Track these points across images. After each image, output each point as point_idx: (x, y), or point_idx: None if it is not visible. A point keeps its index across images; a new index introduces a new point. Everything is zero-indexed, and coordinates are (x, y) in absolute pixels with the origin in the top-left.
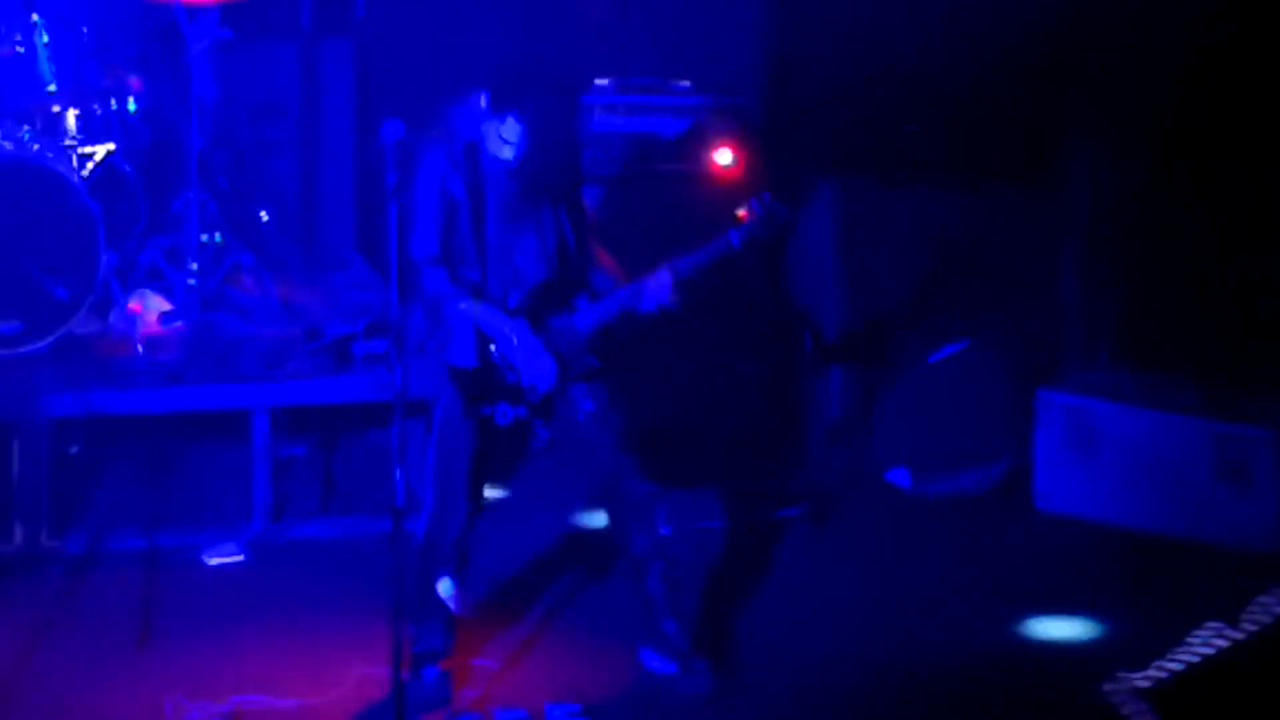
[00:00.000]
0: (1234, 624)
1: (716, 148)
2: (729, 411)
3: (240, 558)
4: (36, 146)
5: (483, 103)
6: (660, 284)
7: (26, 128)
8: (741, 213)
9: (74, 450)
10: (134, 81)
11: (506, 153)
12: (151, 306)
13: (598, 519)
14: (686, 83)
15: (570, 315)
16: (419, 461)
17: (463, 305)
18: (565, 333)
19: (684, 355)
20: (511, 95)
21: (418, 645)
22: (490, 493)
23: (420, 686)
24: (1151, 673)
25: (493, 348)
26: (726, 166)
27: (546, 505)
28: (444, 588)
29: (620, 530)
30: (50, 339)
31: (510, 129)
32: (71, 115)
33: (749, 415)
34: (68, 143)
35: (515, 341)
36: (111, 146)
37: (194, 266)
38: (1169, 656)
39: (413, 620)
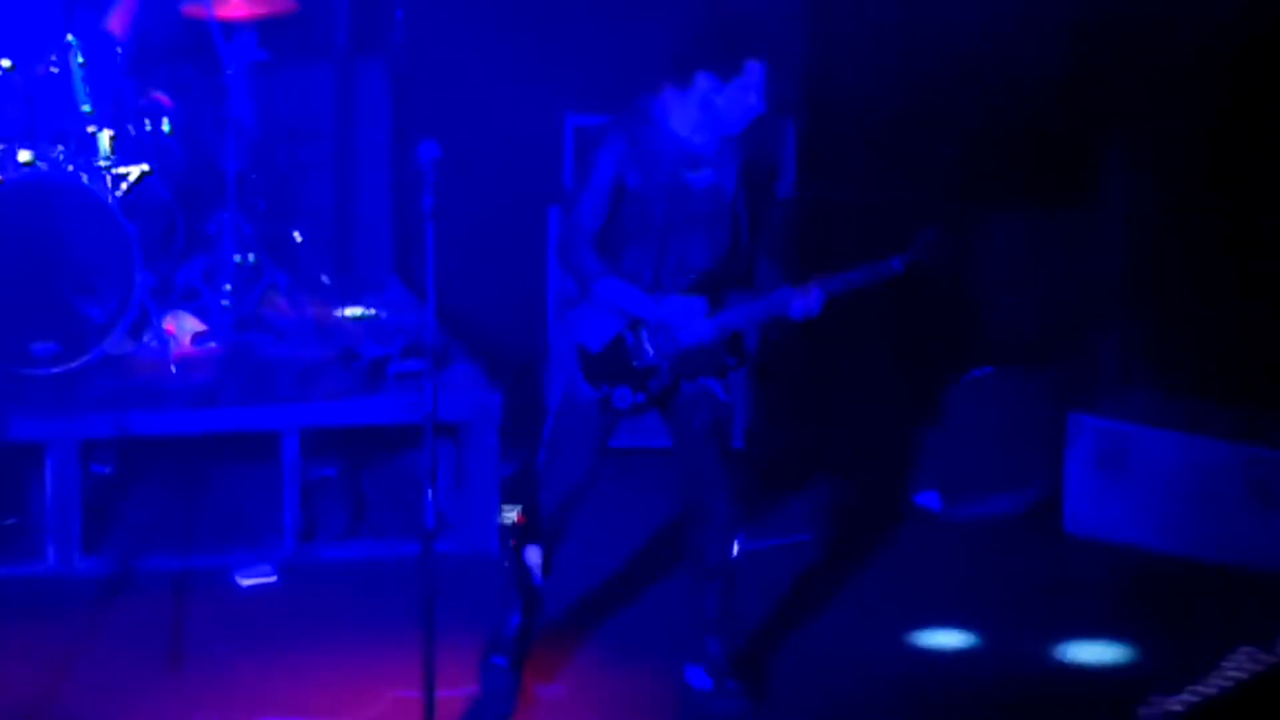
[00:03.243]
0: (1267, 648)
1: None
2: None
3: (272, 578)
4: (71, 167)
5: (684, 76)
6: (812, 297)
7: (61, 148)
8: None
9: (106, 470)
10: (169, 102)
11: (696, 135)
12: (186, 327)
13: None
14: None
15: (721, 311)
16: (451, 484)
17: (608, 284)
18: (710, 328)
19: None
20: (733, 53)
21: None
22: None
23: (487, 682)
24: (1185, 697)
25: (626, 334)
26: None
27: (629, 510)
28: (532, 554)
29: (694, 541)
30: (85, 359)
31: (713, 95)
32: (107, 136)
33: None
34: (102, 163)
35: (667, 308)
36: (146, 167)
37: (228, 287)
38: (1202, 681)
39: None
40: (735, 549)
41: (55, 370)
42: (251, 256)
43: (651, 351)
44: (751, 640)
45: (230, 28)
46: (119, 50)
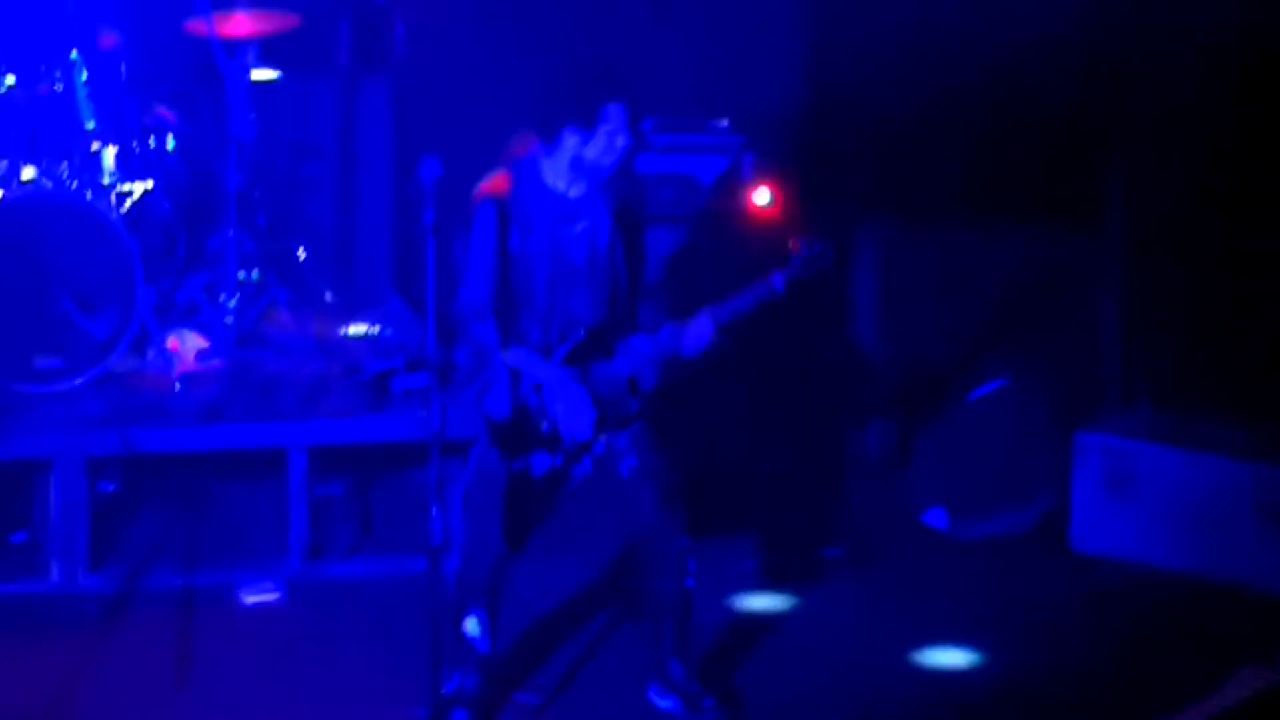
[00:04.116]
0: (1271, 667)
1: (754, 188)
2: (768, 449)
3: (277, 596)
4: (75, 184)
5: (550, 135)
6: (701, 330)
7: (65, 165)
8: (790, 247)
9: (111, 488)
10: (172, 116)
11: (571, 190)
12: (189, 344)
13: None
14: (725, 122)
15: (613, 360)
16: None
17: (505, 356)
18: (607, 379)
19: (724, 392)
20: (589, 103)
21: (447, 686)
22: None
23: None
24: (1189, 716)
25: (529, 398)
26: (764, 206)
27: (582, 547)
28: (471, 626)
29: (647, 576)
30: (88, 376)
31: (580, 149)
32: (110, 153)
33: (788, 454)
34: (106, 180)
35: (556, 390)
36: (149, 184)
37: (231, 304)
38: (1206, 699)
39: (445, 661)
40: (689, 581)
41: (58, 387)
42: (254, 273)
43: (553, 412)
44: (742, 659)
45: (233, 45)
46: (123, 67)
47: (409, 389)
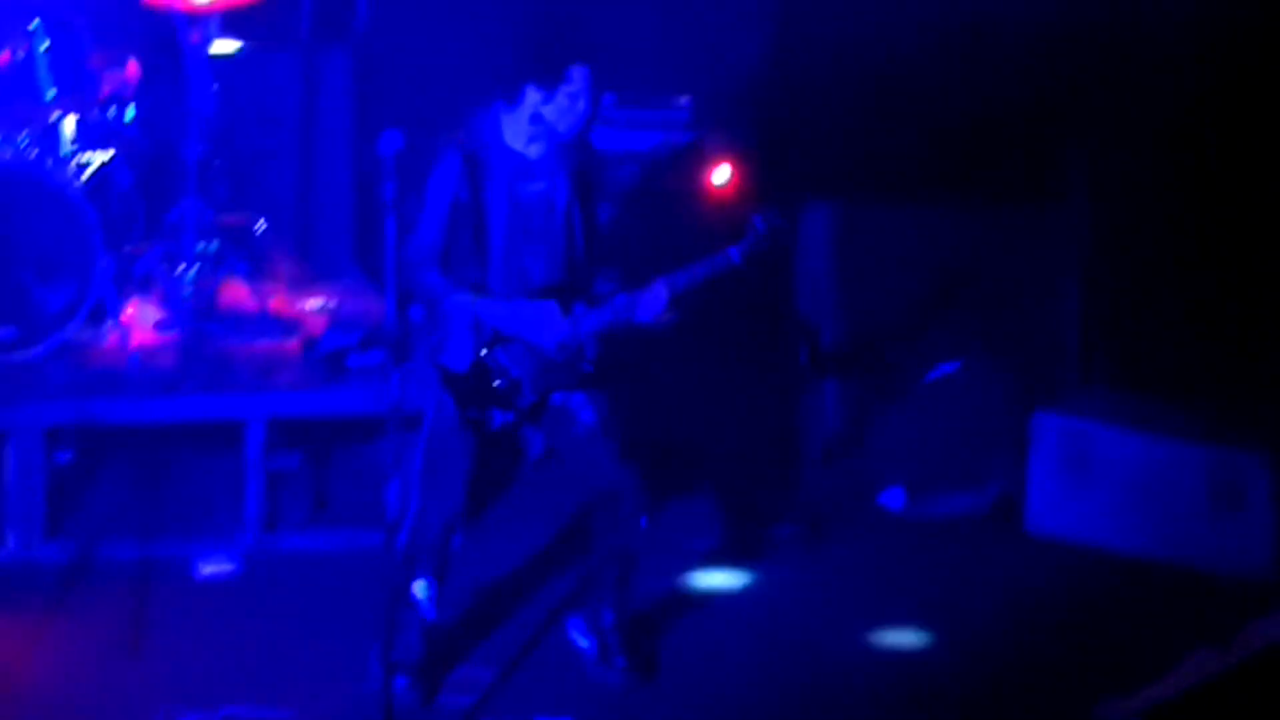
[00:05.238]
0: (1225, 650)
1: (714, 165)
2: (723, 427)
3: (232, 568)
4: (34, 153)
5: (512, 92)
6: (655, 297)
7: (24, 134)
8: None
9: (67, 458)
10: (132, 89)
11: (530, 148)
12: (146, 315)
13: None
14: (685, 99)
15: (569, 320)
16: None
17: (457, 298)
18: (560, 339)
19: (679, 369)
20: (554, 63)
21: (391, 654)
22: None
23: (389, 696)
24: (1142, 698)
25: (484, 351)
26: (722, 184)
27: (540, 513)
28: (419, 589)
29: (602, 521)
30: (45, 346)
31: (540, 107)
32: (70, 122)
33: (743, 431)
34: (65, 150)
35: (522, 312)
36: (109, 154)
37: (190, 275)
38: (1159, 682)
39: (387, 628)
40: (639, 531)
41: (14, 357)
42: (213, 244)
43: (512, 369)
44: (696, 632)
45: (194, 17)
46: (83, 38)
47: (364, 365)
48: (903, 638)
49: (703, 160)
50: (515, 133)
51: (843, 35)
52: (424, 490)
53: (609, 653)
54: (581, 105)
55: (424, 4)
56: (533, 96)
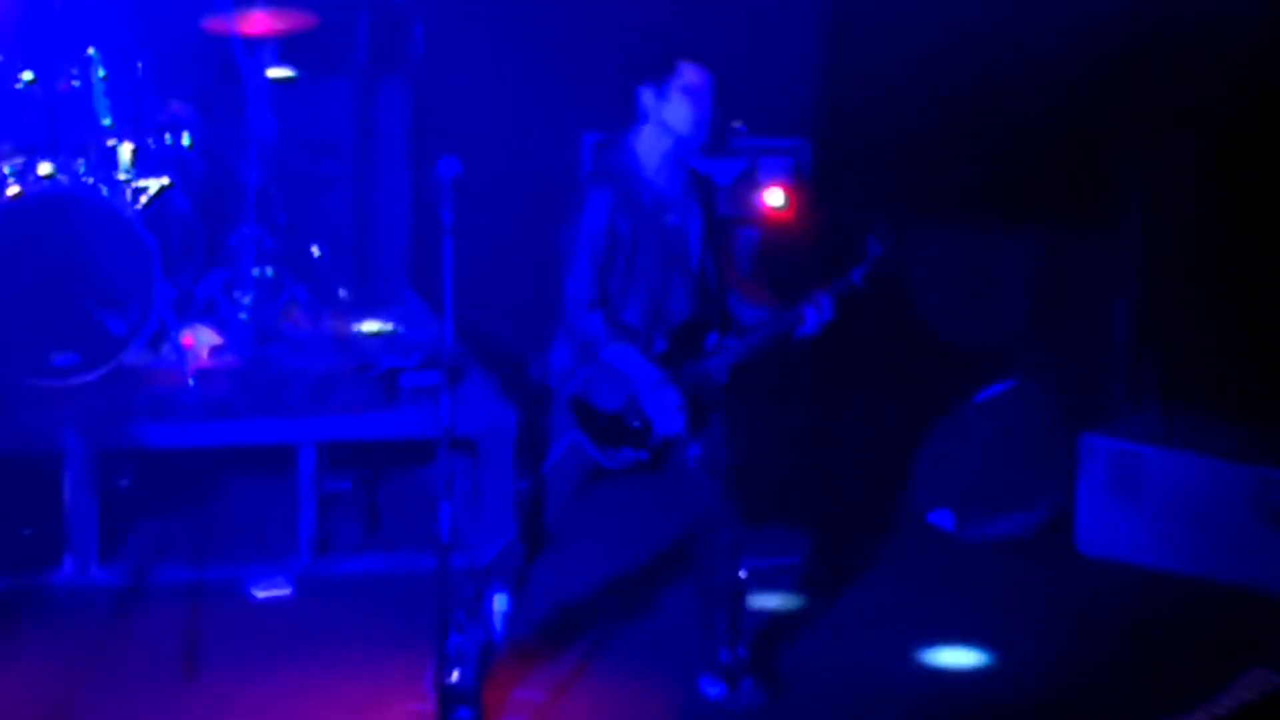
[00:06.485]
0: (1277, 669)
1: (768, 189)
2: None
3: (286, 591)
4: (92, 180)
5: (648, 99)
6: (822, 306)
7: (82, 161)
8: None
9: (123, 482)
10: (190, 116)
11: (661, 176)
12: (204, 340)
13: (676, 552)
14: (741, 124)
15: (706, 358)
16: (467, 498)
17: (615, 348)
18: (698, 375)
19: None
20: (661, 56)
21: (452, 681)
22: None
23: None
24: (1195, 717)
25: (630, 395)
26: (779, 208)
27: (619, 535)
28: (499, 603)
29: (701, 567)
30: (103, 370)
31: (659, 107)
32: (127, 149)
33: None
34: (123, 176)
35: (650, 392)
36: (167, 181)
37: (248, 301)
38: (1212, 701)
39: (450, 654)
40: (742, 571)
41: (74, 381)
42: (270, 270)
43: (647, 409)
44: (765, 652)
45: (252, 43)
46: (140, 65)
47: (419, 386)
48: (955, 657)
49: (758, 184)
50: (649, 155)
51: (897, 58)
52: (530, 517)
53: (737, 683)
54: (697, 103)
55: (480, 30)
56: (648, 99)
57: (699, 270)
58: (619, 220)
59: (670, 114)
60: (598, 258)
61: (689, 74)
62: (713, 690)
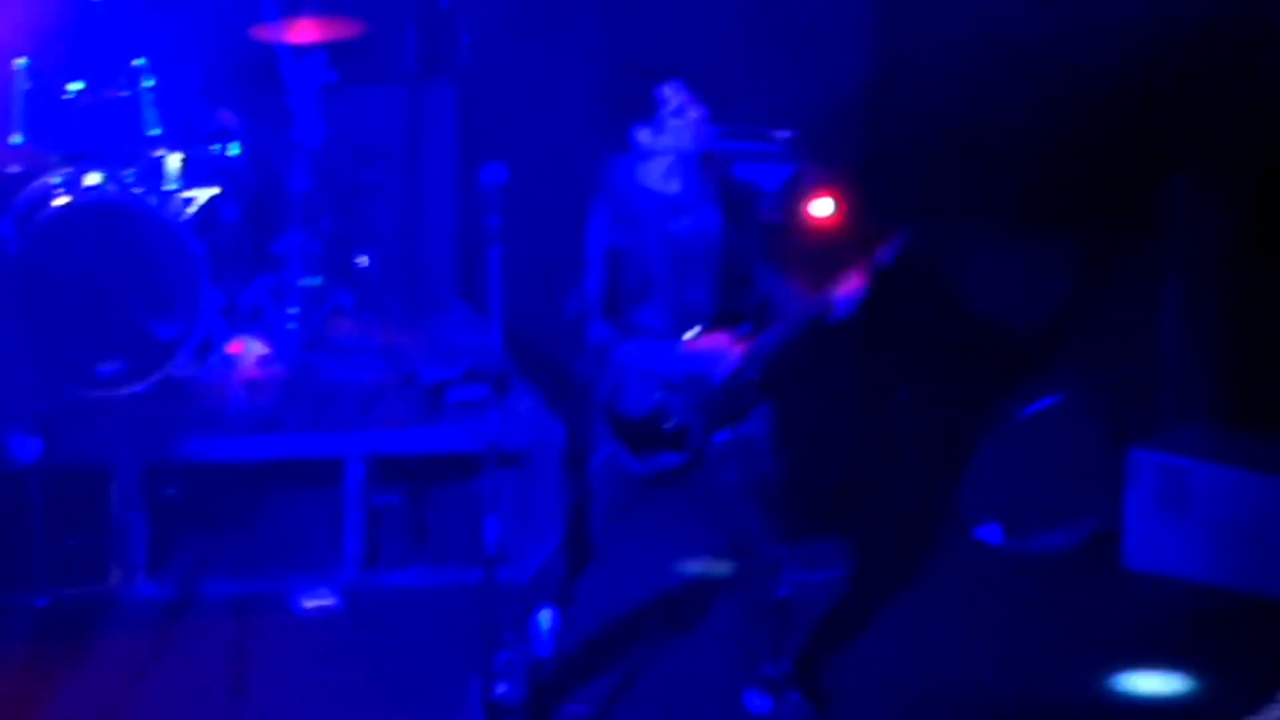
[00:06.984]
0: None
1: (815, 197)
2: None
3: (333, 604)
4: (140, 189)
5: (624, 142)
6: (856, 286)
7: (130, 170)
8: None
9: (170, 493)
10: (238, 125)
11: (671, 184)
12: (251, 349)
13: (715, 567)
14: (786, 132)
15: (735, 350)
16: (514, 512)
17: (626, 345)
18: (728, 370)
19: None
20: (641, 94)
21: (500, 697)
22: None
23: None
24: None
25: (658, 397)
26: (824, 216)
27: (662, 549)
28: (544, 619)
29: (743, 582)
30: (151, 380)
31: (656, 140)
32: (175, 158)
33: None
34: (171, 186)
35: (685, 347)
36: (215, 189)
37: (295, 309)
38: (1259, 716)
39: (497, 669)
40: (784, 588)
41: (122, 392)
42: (318, 278)
43: (681, 410)
44: (811, 666)
45: (300, 50)
46: (188, 73)
47: (465, 400)
48: (1004, 671)
49: (803, 191)
50: (650, 175)
51: (944, 65)
52: (573, 530)
53: (783, 697)
54: (693, 114)
55: (528, 37)
56: (643, 135)
57: (724, 267)
58: (617, 234)
59: (669, 139)
60: (599, 272)
61: (673, 98)
62: (758, 704)
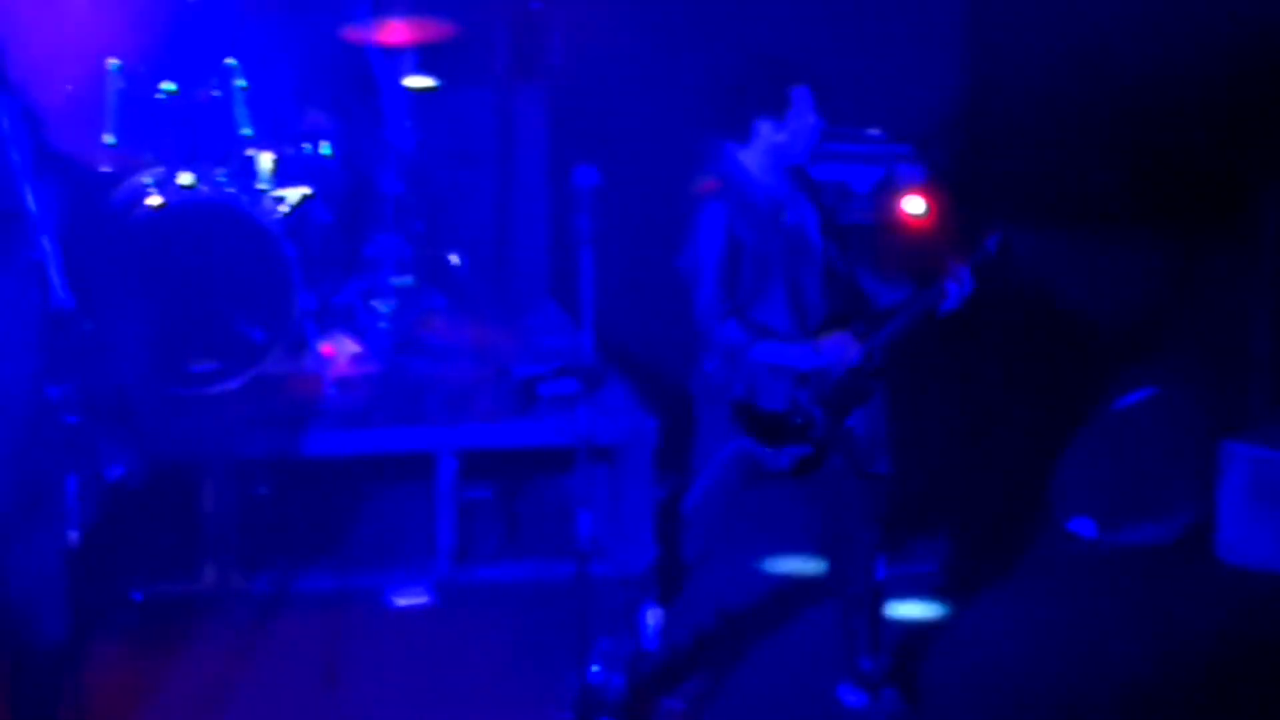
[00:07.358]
0: None
1: (907, 196)
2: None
3: (426, 599)
4: (232, 190)
5: (743, 130)
6: (962, 280)
7: (222, 171)
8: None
9: (263, 490)
10: (330, 126)
11: (771, 180)
12: (343, 348)
13: (813, 560)
14: (878, 130)
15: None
16: (605, 507)
17: (761, 345)
18: (849, 365)
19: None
20: (778, 90)
21: (598, 691)
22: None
23: None
24: None
25: (794, 393)
26: (918, 215)
27: (762, 546)
28: (651, 616)
29: (838, 571)
30: (243, 378)
31: (775, 137)
32: (267, 159)
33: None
34: (263, 186)
35: (818, 353)
36: (307, 190)
37: (386, 309)
38: None
39: (598, 663)
40: (879, 574)
41: (214, 389)
42: (410, 279)
43: (805, 403)
44: (905, 661)
45: (391, 52)
46: (280, 75)
47: (557, 394)
48: (1096, 665)
49: (896, 191)
50: (756, 165)
51: (1037, 63)
52: (697, 526)
53: (878, 692)
54: (811, 120)
55: (618, 39)
56: (765, 128)
57: (826, 262)
58: (739, 229)
59: (786, 139)
60: (724, 270)
61: (803, 102)
62: (853, 699)
